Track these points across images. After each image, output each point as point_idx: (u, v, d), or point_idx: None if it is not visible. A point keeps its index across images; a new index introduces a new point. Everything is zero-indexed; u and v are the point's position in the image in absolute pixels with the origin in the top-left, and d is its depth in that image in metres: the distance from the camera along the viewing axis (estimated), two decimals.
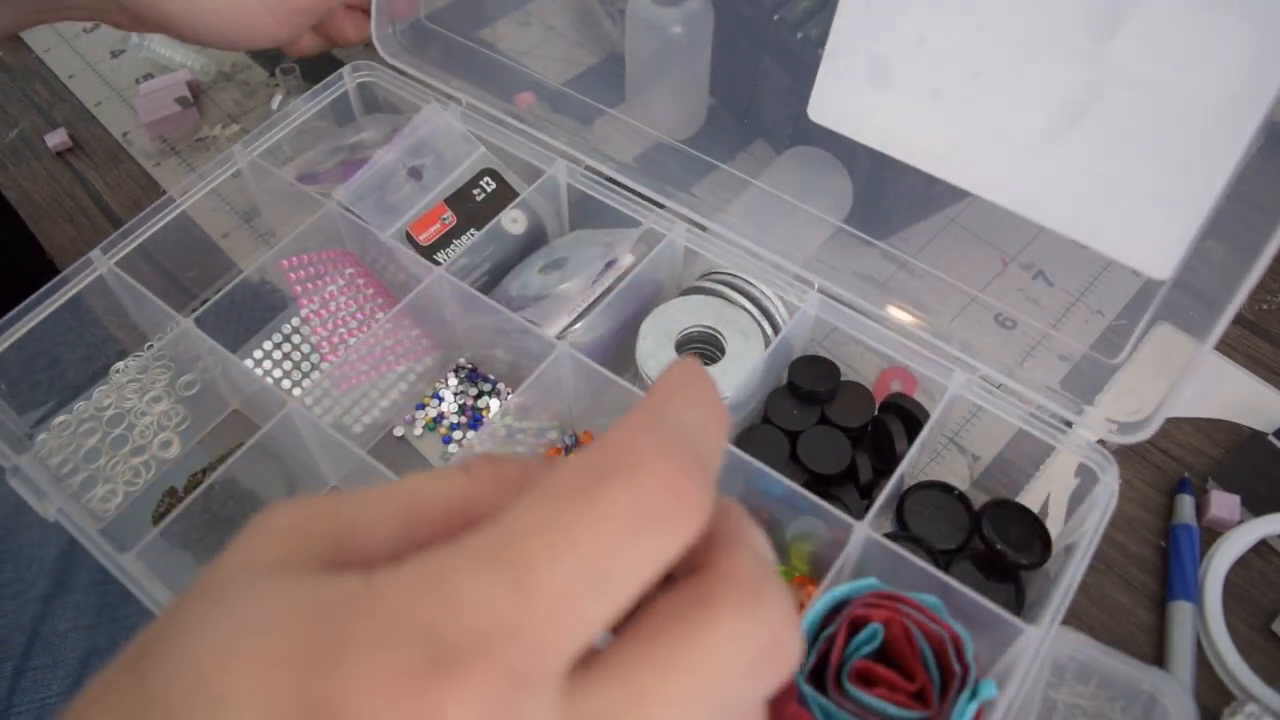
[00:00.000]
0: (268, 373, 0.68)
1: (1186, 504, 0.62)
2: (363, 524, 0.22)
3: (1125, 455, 0.64)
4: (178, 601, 0.21)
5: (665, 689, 0.19)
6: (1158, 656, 0.57)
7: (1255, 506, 0.61)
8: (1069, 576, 0.50)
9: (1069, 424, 0.55)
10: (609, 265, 0.64)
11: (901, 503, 0.59)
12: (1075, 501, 0.58)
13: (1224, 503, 0.61)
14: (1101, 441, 0.54)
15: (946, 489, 0.59)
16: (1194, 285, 0.53)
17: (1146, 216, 0.51)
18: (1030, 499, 0.60)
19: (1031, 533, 0.57)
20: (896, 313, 0.60)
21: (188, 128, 0.87)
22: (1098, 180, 0.52)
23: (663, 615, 0.20)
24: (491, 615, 0.18)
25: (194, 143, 0.86)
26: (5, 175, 0.85)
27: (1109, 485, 0.53)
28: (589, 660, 0.19)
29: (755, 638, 0.20)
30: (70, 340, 0.66)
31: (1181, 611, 0.57)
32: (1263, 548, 0.61)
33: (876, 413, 0.62)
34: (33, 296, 0.62)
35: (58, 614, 0.60)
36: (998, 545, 0.56)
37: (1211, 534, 0.61)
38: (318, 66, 0.87)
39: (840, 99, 0.57)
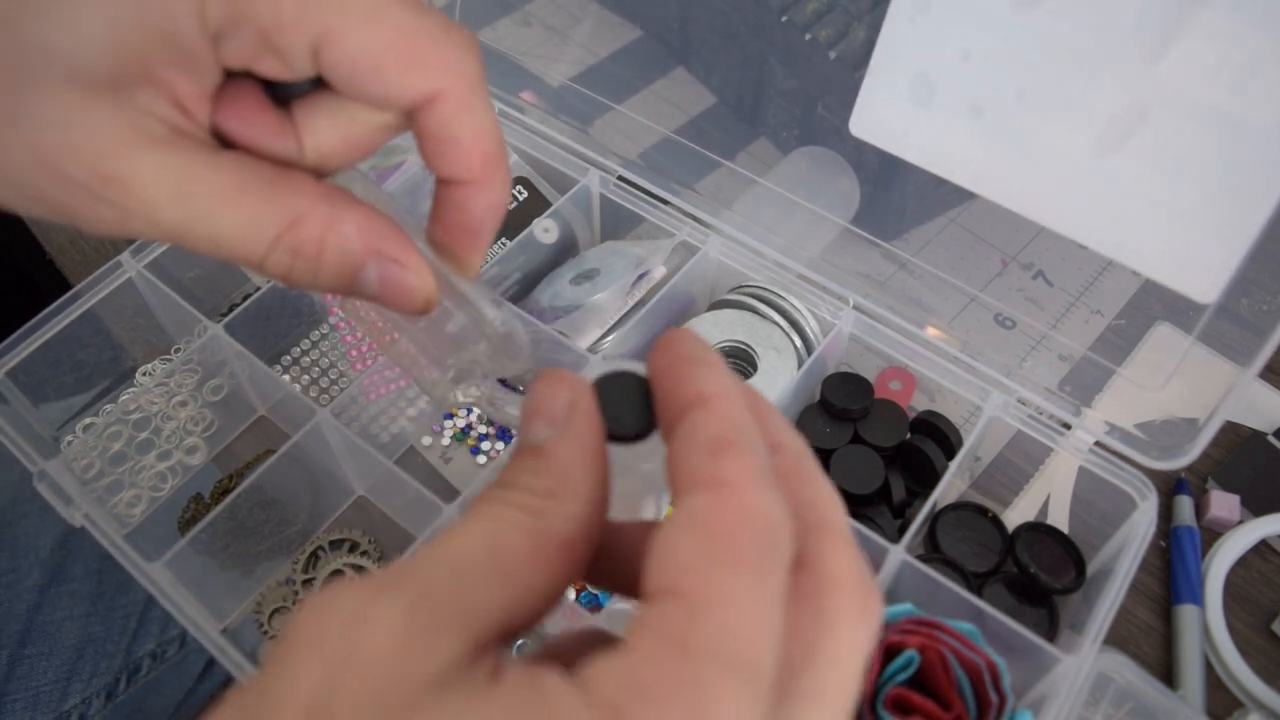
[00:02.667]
0: (295, 379, 0.68)
1: (1185, 505, 0.61)
2: (479, 604, 0.20)
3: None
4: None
5: (822, 716, 0.20)
6: (1159, 657, 0.57)
7: (1255, 506, 0.61)
8: (1106, 604, 0.49)
9: (1068, 425, 0.55)
10: (641, 277, 0.63)
11: (934, 524, 0.58)
12: (1088, 509, 0.58)
13: (1224, 503, 0.61)
14: (1136, 464, 0.53)
15: (980, 510, 0.59)
16: (1236, 310, 0.52)
17: (1191, 239, 0.51)
18: (1030, 500, 0.60)
19: (1065, 556, 0.56)
20: (930, 330, 0.59)
21: None
22: (1143, 202, 0.51)
23: (798, 642, 0.20)
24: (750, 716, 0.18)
25: None
26: None
27: (1147, 512, 0.53)
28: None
29: (869, 639, 0.21)
30: (97, 343, 0.66)
31: (1188, 616, 0.57)
32: (1263, 548, 0.60)
33: (909, 432, 0.61)
34: (60, 300, 0.62)
35: (53, 603, 0.60)
36: (1032, 569, 0.55)
37: (1212, 534, 0.61)
38: None
39: (882, 114, 0.56)
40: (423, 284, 0.29)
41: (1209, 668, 0.56)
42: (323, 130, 0.28)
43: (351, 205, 0.27)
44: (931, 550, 0.58)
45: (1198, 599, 0.57)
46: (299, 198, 0.27)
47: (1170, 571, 0.59)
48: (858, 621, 0.21)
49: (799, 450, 0.24)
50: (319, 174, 0.28)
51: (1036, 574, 0.55)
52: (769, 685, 0.19)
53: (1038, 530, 0.57)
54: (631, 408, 0.24)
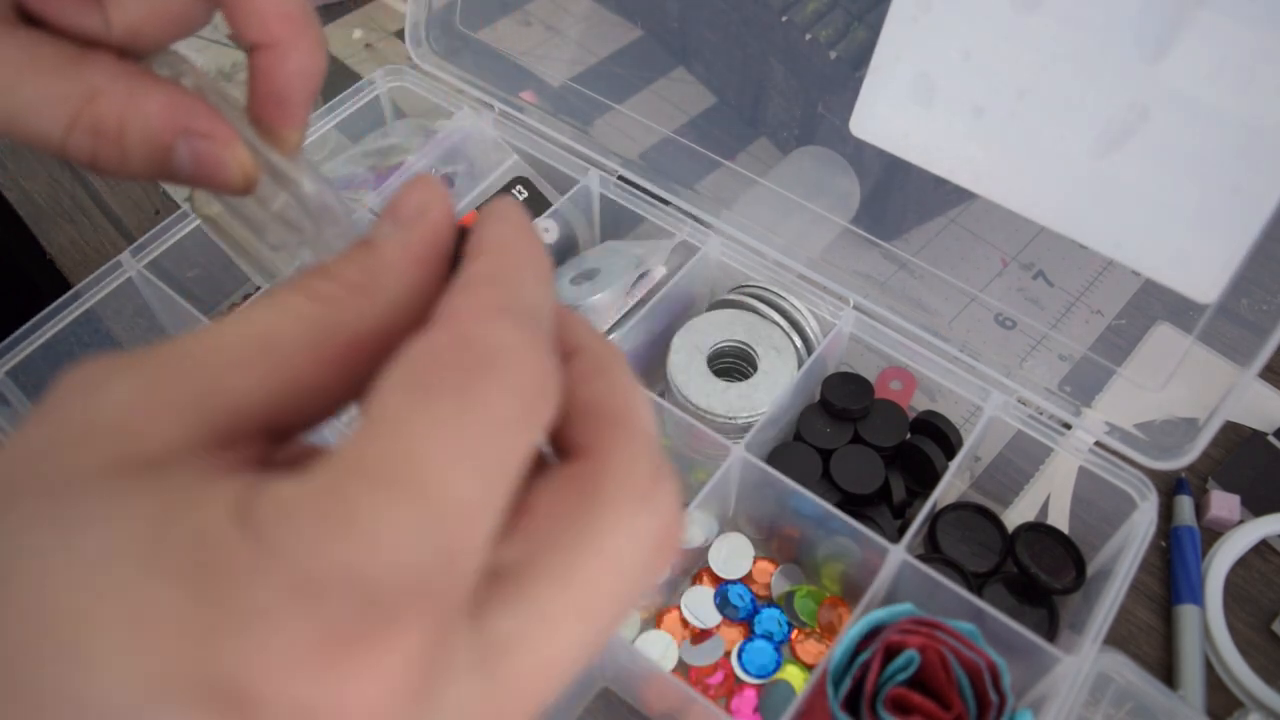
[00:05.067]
0: None
1: (1185, 505, 0.61)
2: (227, 385, 0.18)
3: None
4: None
5: (569, 601, 0.18)
6: (1160, 657, 0.57)
7: (1255, 507, 0.61)
8: (1106, 604, 0.49)
9: (1068, 425, 0.55)
10: (641, 277, 0.63)
11: (934, 524, 0.58)
12: (1088, 509, 0.58)
13: (1224, 503, 0.61)
14: (1136, 464, 0.53)
15: (979, 510, 0.59)
16: (1236, 310, 0.52)
17: (1191, 239, 0.51)
18: (1030, 500, 0.61)
19: (1065, 556, 0.56)
20: (928, 331, 0.59)
21: None
22: (1143, 202, 0.51)
23: (554, 519, 0.19)
24: (414, 550, 0.16)
25: None
26: (5, 175, 0.84)
27: (1147, 512, 0.53)
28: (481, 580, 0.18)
29: (652, 532, 0.19)
30: (97, 343, 0.66)
31: (1188, 616, 0.57)
32: (1263, 548, 0.60)
33: (909, 432, 0.61)
34: (60, 300, 0.62)
35: None
36: (1032, 570, 0.55)
37: (1212, 534, 0.61)
38: (333, 74, 0.87)
39: (883, 114, 0.56)
40: (237, 160, 0.28)
41: (1209, 668, 0.56)
42: (129, 4, 0.27)
43: (156, 83, 0.27)
44: (931, 550, 0.58)
45: (1198, 599, 0.57)
46: (96, 74, 0.27)
47: (1170, 571, 0.59)
48: (638, 511, 0.19)
49: (605, 355, 0.22)
50: (133, 54, 0.28)
51: (1037, 574, 0.55)
52: (463, 533, 0.16)
53: (1038, 530, 0.57)
54: None
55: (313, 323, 0.19)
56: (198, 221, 0.66)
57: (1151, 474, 0.58)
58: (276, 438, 0.19)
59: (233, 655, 0.14)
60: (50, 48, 0.26)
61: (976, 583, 0.56)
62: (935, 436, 0.60)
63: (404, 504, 0.16)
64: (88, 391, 0.17)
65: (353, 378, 0.20)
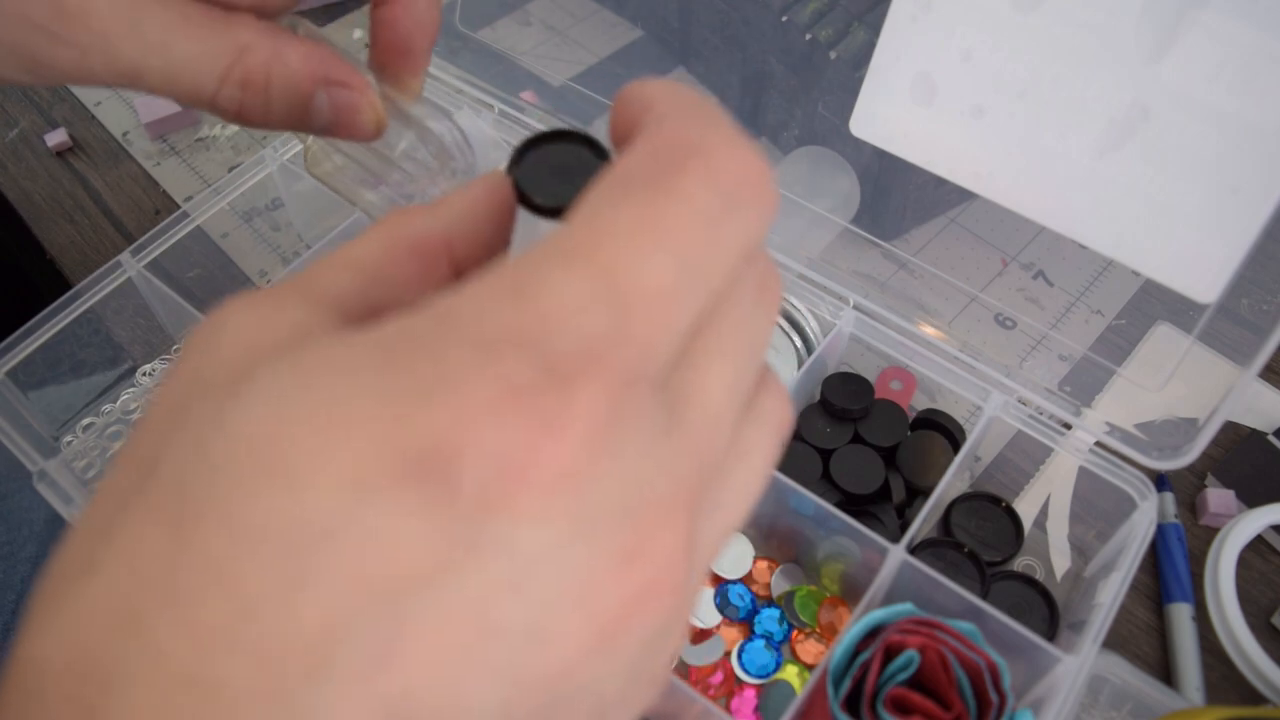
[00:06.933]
0: None
1: (1168, 502, 0.61)
2: (325, 286, 0.19)
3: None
4: (159, 413, 0.17)
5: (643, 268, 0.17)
6: (1161, 656, 0.57)
7: (1254, 506, 0.61)
8: (1107, 604, 0.49)
9: (1068, 425, 0.55)
10: None
11: (948, 513, 0.59)
12: (1088, 509, 0.59)
13: (1221, 500, 0.61)
14: (1136, 464, 0.53)
15: (994, 500, 0.59)
16: (1236, 310, 0.52)
17: (1191, 239, 0.51)
18: (1030, 500, 0.61)
19: (1001, 523, 0.58)
20: (927, 329, 0.59)
21: (188, 128, 0.86)
22: (1143, 202, 0.51)
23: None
24: (596, 321, 0.16)
25: (194, 143, 0.85)
26: (5, 175, 0.84)
27: (1147, 512, 0.53)
28: None
29: (728, 174, 0.18)
30: (97, 343, 0.66)
31: (1180, 614, 0.57)
32: (1262, 547, 0.60)
33: (909, 431, 0.61)
34: (60, 300, 0.62)
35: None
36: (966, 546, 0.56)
37: (1210, 531, 0.61)
38: None
39: (883, 114, 0.56)
40: (371, 105, 0.31)
41: (1222, 663, 0.56)
42: None
43: (294, 38, 0.30)
44: (944, 533, 0.58)
45: (1188, 596, 0.57)
46: (244, 31, 0.29)
47: (1159, 570, 0.59)
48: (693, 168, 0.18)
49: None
50: (265, 15, 0.30)
51: (972, 550, 0.56)
52: (648, 318, 0.17)
53: (976, 499, 0.59)
54: (566, 179, 0.22)
55: (383, 230, 0.21)
56: (198, 222, 0.66)
57: (1152, 474, 0.58)
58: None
59: (424, 421, 0.15)
60: (200, 10, 0.29)
61: (990, 571, 0.56)
62: (940, 432, 0.60)
63: (582, 280, 0.16)
64: (211, 330, 0.18)
65: (422, 274, 0.21)
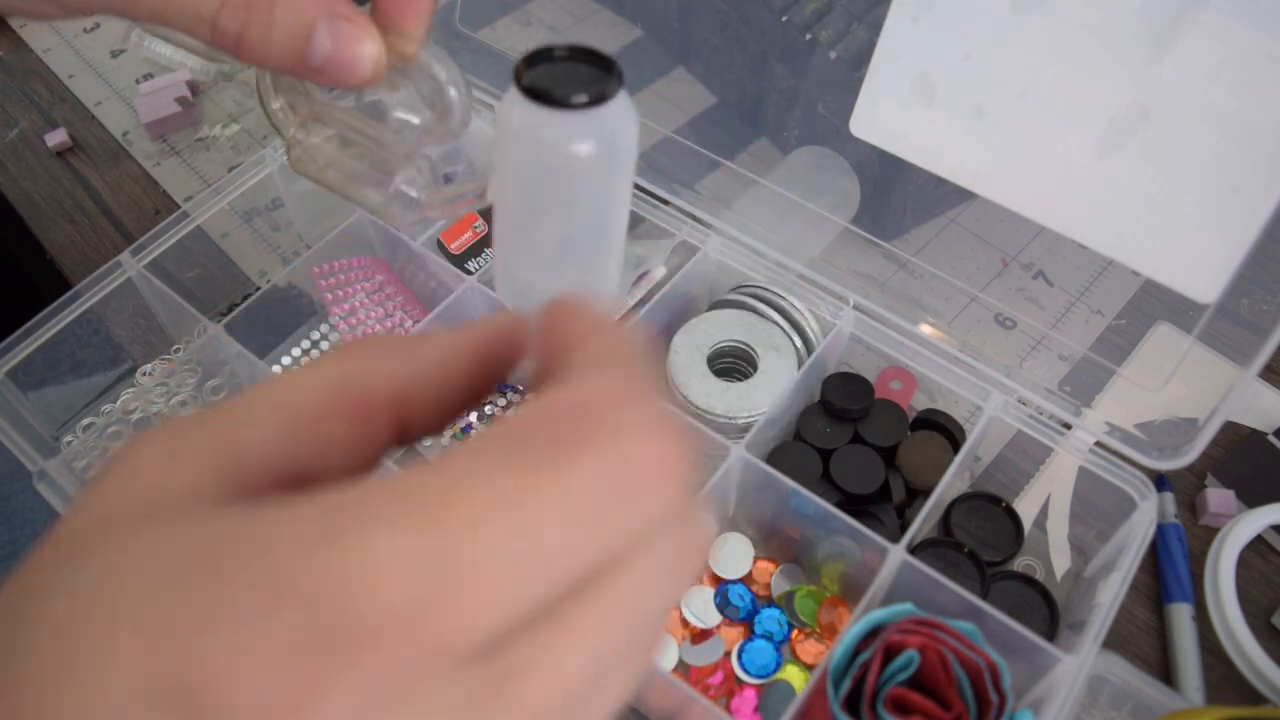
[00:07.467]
0: None
1: (1168, 502, 0.61)
2: (242, 438, 0.19)
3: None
4: (33, 559, 0.17)
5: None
6: (1161, 656, 0.57)
7: (1254, 506, 0.61)
8: (1106, 604, 0.49)
9: (1068, 425, 0.55)
10: (641, 277, 0.63)
11: (948, 512, 0.59)
12: (1088, 509, 0.59)
13: (1221, 500, 0.61)
14: (1136, 464, 0.53)
15: (994, 500, 0.59)
16: (1236, 310, 0.52)
17: (1191, 239, 0.51)
18: (1030, 500, 0.61)
19: (1001, 523, 0.58)
20: (927, 329, 0.59)
21: (188, 128, 0.86)
22: (1143, 202, 0.51)
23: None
24: (414, 587, 0.15)
25: (194, 142, 0.85)
26: (5, 175, 0.84)
27: (1147, 512, 0.53)
28: None
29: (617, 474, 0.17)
30: (97, 343, 0.66)
31: (1180, 614, 0.57)
32: (1262, 547, 0.60)
33: (909, 431, 0.61)
34: (60, 300, 0.62)
35: None
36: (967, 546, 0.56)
37: (1210, 531, 0.61)
38: None
39: (883, 114, 0.56)
40: (374, 41, 0.31)
41: (1222, 663, 0.56)
42: None
43: None
44: (944, 533, 0.58)
45: (1188, 596, 0.57)
46: None
47: (1158, 570, 0.59)
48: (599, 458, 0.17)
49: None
50: None
51: (973, 550, 0.55)
52: (478, 595, 0.16)
53: (975, 499, 0.59)
54: (583, 76, 0.22)
55: (326, 381, 0.20)
56: (198, 222, 0.66)
57: (1151, 473, 0.58)
58: (297, 486, 0.20)
59: (199, 653, 0.15)
60: None
61: (990, 571, 0.56)
62: (940, 431, 0.60)
63: (414, 542, 0.15)
64: (123, 459, 0.19)
65: (368, 433, 0.20)
